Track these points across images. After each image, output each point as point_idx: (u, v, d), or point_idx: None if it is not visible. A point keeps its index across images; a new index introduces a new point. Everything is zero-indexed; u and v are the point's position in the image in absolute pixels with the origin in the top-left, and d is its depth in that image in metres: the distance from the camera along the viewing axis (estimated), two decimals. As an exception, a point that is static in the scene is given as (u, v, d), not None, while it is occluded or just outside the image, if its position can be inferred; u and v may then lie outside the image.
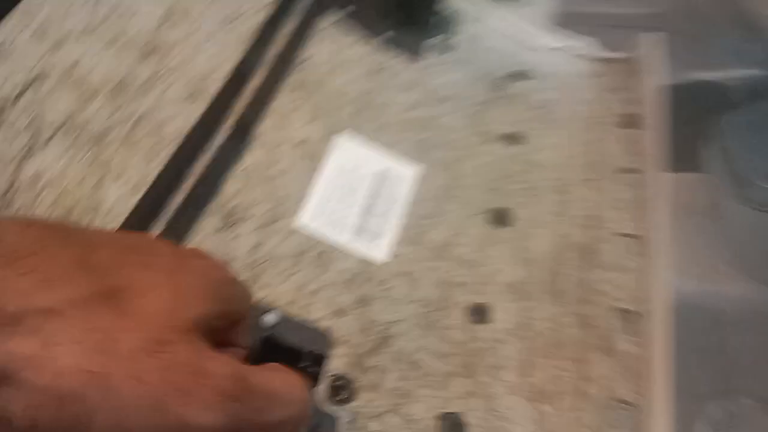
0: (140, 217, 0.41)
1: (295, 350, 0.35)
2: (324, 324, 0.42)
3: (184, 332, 0.25)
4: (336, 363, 0.41)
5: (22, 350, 0.21)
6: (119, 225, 0.40)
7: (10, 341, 0.21)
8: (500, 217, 0.51)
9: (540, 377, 0.44)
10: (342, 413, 0.39)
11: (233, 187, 0.45)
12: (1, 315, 0.21)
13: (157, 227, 0.41)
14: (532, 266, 0.49)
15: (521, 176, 0.55)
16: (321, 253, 0.45)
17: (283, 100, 0.52)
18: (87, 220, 0.40)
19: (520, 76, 0.63)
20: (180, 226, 0.42)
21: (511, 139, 0.57)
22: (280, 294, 0.42)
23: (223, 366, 0.25)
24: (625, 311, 0.49)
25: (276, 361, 0.34)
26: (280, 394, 0.27)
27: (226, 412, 0.24)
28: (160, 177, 0.43)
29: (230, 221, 0.44)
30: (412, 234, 0.48)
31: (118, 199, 0.41)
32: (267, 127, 0.50)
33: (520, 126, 0.58)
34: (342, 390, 0.40)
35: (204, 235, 0.43)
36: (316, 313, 0.42)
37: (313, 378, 0.37)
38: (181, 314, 0.25)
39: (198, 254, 0.30)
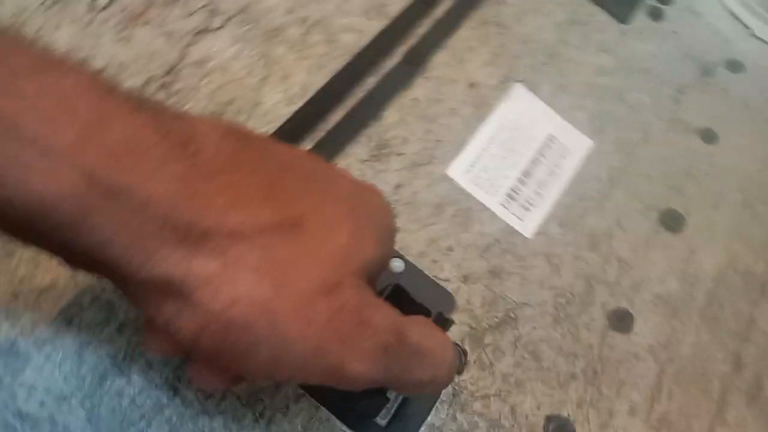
0: (294, 128, 0.39)
1: (423, 308, 0.33)
2: (450, 286, 0.39)
3: (355, 276, 0.24)
4: (453, 329, 0.38)
5: (203, 270, 0.21)
6: (272, 131, 0.38)
7: (194, 258, 0.21)
8: (670, 220, 0.45)
9: (670, 406, 0.39)
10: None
11: (393, 118, 0.43)
12: (191, 230, 0.21)
13: (308, 142, 0.39)
14: (692, 283, 0.43)
15: (705, 179, 0.48)
16: (465, 209, 0.42)
17: (463, 36, 0.48)
18: (242, 118, 0.39)
19: (731, 65, 0.55)
20: (330, 147, 0.40)
21: (705, 134, 0.50)
22: (413, 242, 0.40)
23: (385, 318, 0.24)
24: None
25: (408, 311, 0.32)
26: (433, 355, 0.26)
27: (382, 364, 0.24)
28: (324, 90, 0.41)
29: (381, 153, 0.41)
30: (567, 214, 0.44)
31: (277, 104, 0.39)
32: (441, 62, 0.46)
33: (717, 122, 0.51)
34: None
35: (352, 161, 0.40)
36: (445, 272, 0.40)
37: None
38: (356, 256, 0.24)
39: (375, 190, 0.28)
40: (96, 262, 0.20)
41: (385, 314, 0.24)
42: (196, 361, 0.25)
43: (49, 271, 0.33)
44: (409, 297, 0.33)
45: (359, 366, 0.23)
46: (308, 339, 0.22)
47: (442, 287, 0.39)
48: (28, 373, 0.30)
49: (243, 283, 0.21)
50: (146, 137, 0.20)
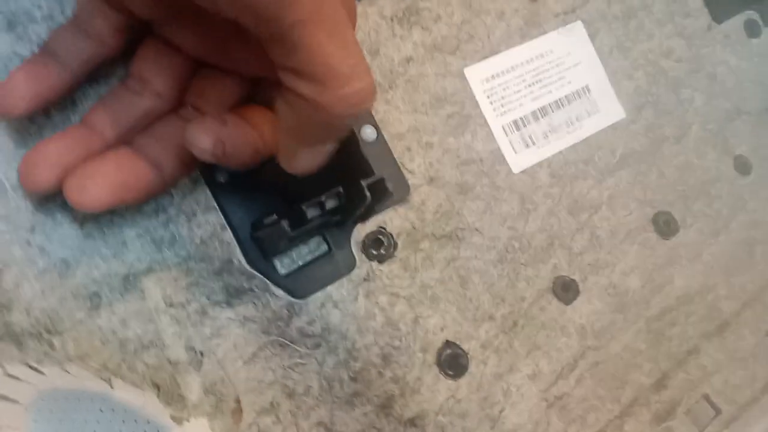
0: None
1: (367, 166, 0.30)
2: (411, 179, 0.36)
3: None
4: (394, 221, 0.35)
5: None
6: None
7: None
8: (663, 224, 0.42)
9: (574, 390, 0.37)
10: (364, 267, 0.34)
11: (434, -10, 0.39)
12: None
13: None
14: (654, 290, 0.40)
15: (718, 203, 0.44)
16: (464, 116, 0.38)
17: (549, -46, 0.44)
18: None
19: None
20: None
21: (739, 163, 0.46)
22: (395, 120, 0.37)
23: None
24: (713, 405, 0.40)
25: (348, 162, 0.29)
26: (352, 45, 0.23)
27: None
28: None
29: (408, 19, 0.38)
30: (562, 169, 0.40)
31: None
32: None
33: (757, 158, 0.47)
34: (380, 247, 0.35)
35: (372, 12, 0.37)
36: (413, 164, 0.37)
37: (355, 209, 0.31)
38: None
39: None
40: None
41: None
42: None
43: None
44: (357, 147, 0.30)
45: None
46: None
47: (402, 174, 0.36)
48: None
49: None
50: None
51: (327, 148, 0.27)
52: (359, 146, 0.30)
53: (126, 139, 0.28)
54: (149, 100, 0.28)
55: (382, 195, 0.29)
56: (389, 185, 0.29)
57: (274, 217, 0.30)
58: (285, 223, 0.29)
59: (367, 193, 0.28)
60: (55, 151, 0.26)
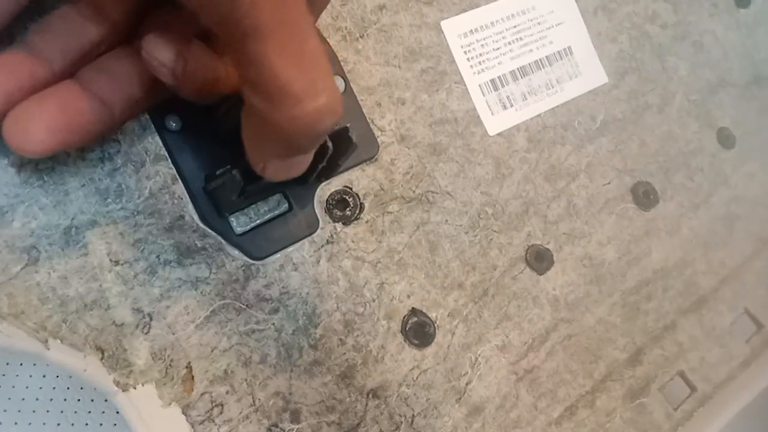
0: None
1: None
2: (381, 137, 0.34)
3: None
4: (361, 181, 0.33)
5: None
6: None
7: None
8: (643, 195, 0.40)
9: (544, 363, 0.35)
10: (327, 228, 0.32)
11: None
12: None
13: None
14: (631, 263, 0.39)
15: (699, 176, 0.43)
16: (439, 72, 0.36)
17: None
18: None
19: (789, 85, 0.49)
20: None
21: (722, 136, 0.45)
22: (366, 73, 0.34)
23: None
24: (689, 383, 0.38)
25: None
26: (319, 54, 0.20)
27: None
28: None
29: (381, -36, 0.35)
30: (540, 133, 0.38)
31: None
32: None
33: (741, 131, 0.45)
34: (345, 208, 0.32)
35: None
36: (384, 121, 0.34)
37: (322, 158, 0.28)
38: None
39: None
40: None
41: None
42: None
43: None
44: None
45: None
46: None
47: (371, 131, 0.34)
48: None
49: None
50: None
51: (298, 159, 0.24)
52: None
53: (71, 71, 0.25)
54: (102, 27, 0.25)
55: (346, 147, 0.27)
56: (353, 135, 0.27)
57: (228, 167, 0.28)
58: (237, 172, 0.26)
59: (329, 143, 0.26)
60: None
